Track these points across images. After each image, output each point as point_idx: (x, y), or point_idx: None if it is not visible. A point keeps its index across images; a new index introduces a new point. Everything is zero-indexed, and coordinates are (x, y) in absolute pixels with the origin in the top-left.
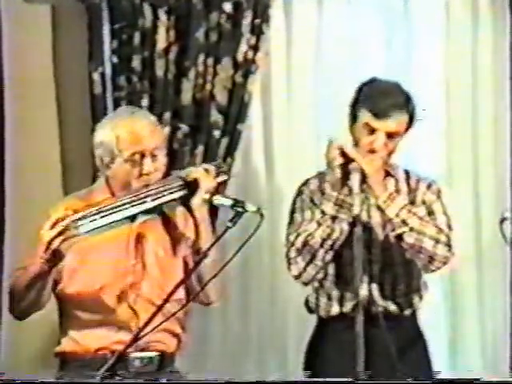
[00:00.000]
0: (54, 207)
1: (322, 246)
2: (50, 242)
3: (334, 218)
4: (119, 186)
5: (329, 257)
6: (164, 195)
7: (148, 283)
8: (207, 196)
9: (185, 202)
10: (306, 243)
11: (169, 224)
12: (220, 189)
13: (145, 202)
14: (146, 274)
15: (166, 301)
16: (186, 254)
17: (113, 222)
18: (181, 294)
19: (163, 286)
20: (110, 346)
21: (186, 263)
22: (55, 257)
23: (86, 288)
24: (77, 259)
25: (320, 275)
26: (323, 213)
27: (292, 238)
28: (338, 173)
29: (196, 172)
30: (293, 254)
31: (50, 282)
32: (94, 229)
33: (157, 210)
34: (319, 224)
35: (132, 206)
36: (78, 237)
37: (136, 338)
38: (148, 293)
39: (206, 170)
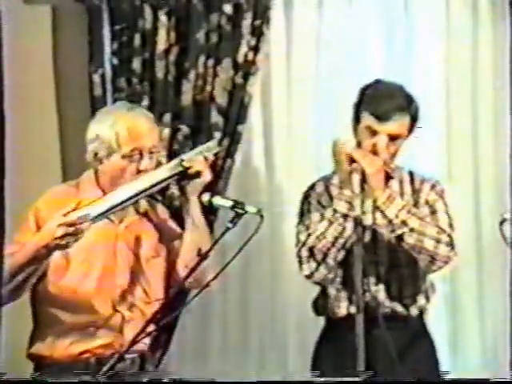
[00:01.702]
0: (42, 197)
1: (333, 245)
2: (59, 238)
3: (345, 217)
4: (109, 181)
5: (341, 256)
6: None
7: (134, 285)
8: (207, 197)
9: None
10: (317, 243)
11: (151, 224)
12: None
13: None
14: (132, 275)
15: (164, 306)
16: (170, 249)
17: (120, 204)
18: (159, 293)
19: (148, 287)
20: (94, 350)
21: (168, 261)
22: (57, 247)
23: (71, 289)
24: (63, 258)
25: (331, 275)
26: (335, 211)
27: (303, 237)
28: (346, 171)
29: (200, 165)
30: (304, 253)
31: (42, 268)
32: (101, 213)
33: (142, 210)
34: (331, 222)
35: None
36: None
37: (133, 343)
38: (134, 294)
39: (205, 159)
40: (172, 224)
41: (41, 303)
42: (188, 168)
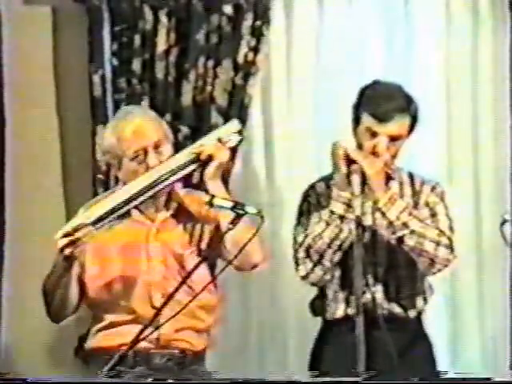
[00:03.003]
0: (77, 215)
1: (329, 246)
2: (62, 249)
3: (342, 218)
4: None
5: (337, 257)
6: (174, 173)
7: (171, 282)
8: (208, 198)
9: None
10: (314, 243)
11: (186, 218)
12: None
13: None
14: (168, 273)
15: (168, 300)
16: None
17: (116, 208)
18: (196, 285)
19: (190, 281)
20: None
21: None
22: (68, 259)
23: (107, 291)
24: (96, 265)
25: (327, 276)
26: (332, 213)
27: (300, 238)
28: (344, 173)
29: (210, 148)
30: (301, 254)
31: (74, 280)
32: (99, 218)
33: (174, 205)
34: (328, 224)
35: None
36: (90, 238)
37: (144, 330)
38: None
39: (220, 141)
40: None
41: (89, 307)
42: (199, 154)
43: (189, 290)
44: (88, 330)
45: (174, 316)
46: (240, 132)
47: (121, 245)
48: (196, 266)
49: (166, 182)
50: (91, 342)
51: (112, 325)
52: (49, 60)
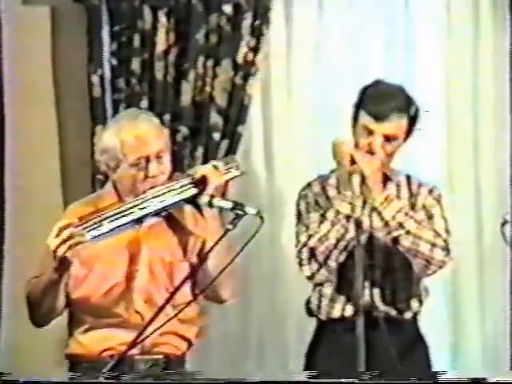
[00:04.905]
0: (63, 214)
1: (336, 246)
2: (55, 250)
3: (348, 218)
4: (126, 190)
5: (342, 258)
6: (172, 196)
7: (155, 288)
8: (207, 199)
9: (194, 201)
10: (320, 244)
11: (176, 226)
12: (228, 186)
13: (152, 205)
14: (154, 279)
15: (167, 303)
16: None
17: (119, 226)
18: (187, 297)
19: (171, 290)
20: (116, 348)
21: (191, 264)
22: (63, 264)
23: (92, 294)
24: (83, 267)
25: (332, 276)
26: (337, 212)
27: (303, 238)
28: (347, 171)
29: (204, 169)
30: (305, 254)
31: (63, 288)
32: (100, 235)
33: (165, 212)
34: (333, 224)
35: (139, 208)
36: (84, 243)
37: (137, 340)
38: (156, 298)
39: (215, 167)
40: (195, 227)
41: (70, 309)
42: (195, 177)
43: (172, 300)
44: (69, 334)
45: (159, 328)
46: (238, 166)
47: (108, 247)
48: (182, 282)
49: (164, 204)
50: (73, 348)
51: (94, 329)
52: (48, 60)
